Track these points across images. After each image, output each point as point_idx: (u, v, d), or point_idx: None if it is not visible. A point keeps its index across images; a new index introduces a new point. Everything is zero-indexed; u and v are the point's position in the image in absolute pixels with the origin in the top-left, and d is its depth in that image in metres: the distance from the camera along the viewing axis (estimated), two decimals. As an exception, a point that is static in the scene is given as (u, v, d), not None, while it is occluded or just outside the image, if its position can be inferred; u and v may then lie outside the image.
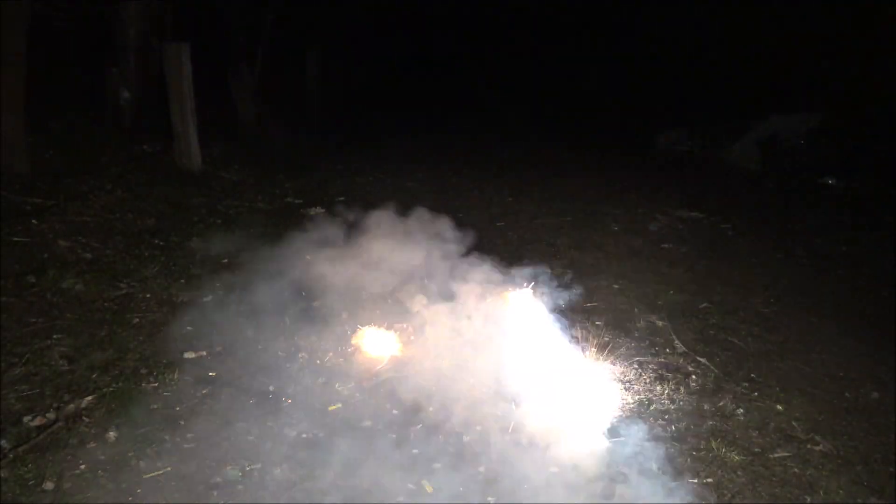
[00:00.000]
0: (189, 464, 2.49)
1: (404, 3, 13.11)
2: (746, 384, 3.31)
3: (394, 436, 2.73)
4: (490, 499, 2.40)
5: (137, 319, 3.59)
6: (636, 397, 3.11)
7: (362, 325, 3.54)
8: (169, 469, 2.45)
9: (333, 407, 2.93)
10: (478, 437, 2.73)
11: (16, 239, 4.31)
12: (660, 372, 3.36)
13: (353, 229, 4.33)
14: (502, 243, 5.31)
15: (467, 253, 4.08)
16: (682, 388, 3.21)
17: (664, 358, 3.52)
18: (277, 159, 7.64)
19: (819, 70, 9.19)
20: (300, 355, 3.34)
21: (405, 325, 3.59)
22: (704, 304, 4.30)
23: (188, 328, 3.51)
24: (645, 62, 11.88)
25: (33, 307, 3.58)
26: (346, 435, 2.70)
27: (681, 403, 3.08)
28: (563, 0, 13.50)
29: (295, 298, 3.84)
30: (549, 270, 4.32)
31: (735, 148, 9.01)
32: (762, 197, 7.50)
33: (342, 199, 6.16)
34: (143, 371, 3.10)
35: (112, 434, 2.62)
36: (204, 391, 2.98)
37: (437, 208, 4.54)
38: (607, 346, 3.53)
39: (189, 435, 2.66)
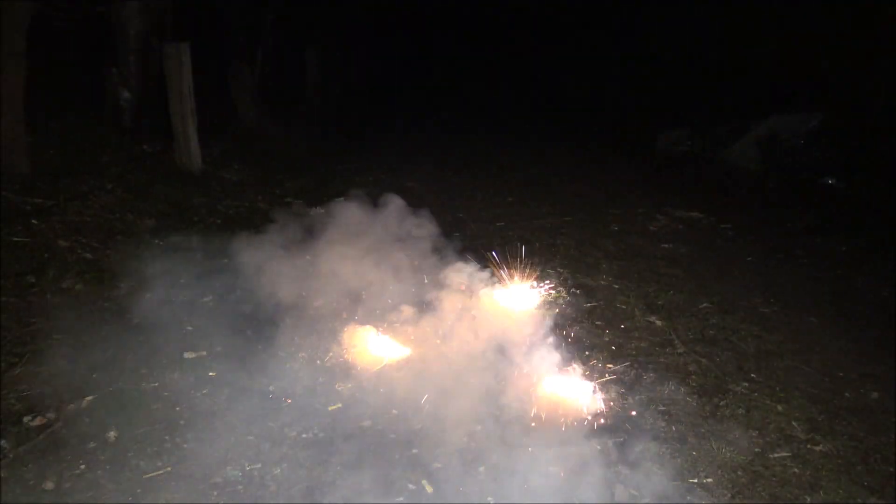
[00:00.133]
0: (189, 464, 2.49)
1: (404, 3, 13.11)
2: (746, 384, 3.31)
3: (393, 436, 2.73)
4: (490, 499, 2.40)
5: (137, 319, 3.59)
6: (636, 397, 3.11)
7: (362, 324, 3.55)
8: (169, 469, 2.46)
9: (333, 407, 2.93)
10: (477, 438, 2.74)
11: (16, 239, 4.31)
12: (660, 372, 3.36)
13: (352, 229, 4.33)
14: (502, 243, 5.30)
15: (467, 253, 4.07)
16: (682, 388, 3.21)
17: (664, 358, 3.52)
18: (277, 159, 7.65)
19: (819, 70, 9.18)
20: (300, 355, 3.34)
21: (403, 325, 3.59)
22: (704, 304, 4.30)
23: (188, 328, 3.51)
24: (645, 62, 11.87)
25: (33, 307, 3.58)
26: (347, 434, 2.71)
27: (681, 403, 3.08)
28: (564, 1, 13.50)
29: (295, 298, 3.83)
30: (549, 270, 4.32)
31: (735, 148, 9.00)
32: (762, 197, 7.50)
33: (342, 199, 6.16)
34: (143, 371, 3.10)
35: (112, 434, 2.62)
36: (204, 391, 2.98)
37: (438, 208, 4.54)
38: (607, 346, 3.53)
39: (189, 435, 2.66)
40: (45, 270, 3.95)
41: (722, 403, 3.10)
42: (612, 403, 3.02)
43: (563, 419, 2.82)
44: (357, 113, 11.36)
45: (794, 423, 2.99)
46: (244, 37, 8.72)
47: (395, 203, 4.42)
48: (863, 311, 4.41)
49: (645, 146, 9.85)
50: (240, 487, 2.39)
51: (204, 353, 3.29)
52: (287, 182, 6.73)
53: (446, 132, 10.66)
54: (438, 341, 3.42)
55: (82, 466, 2.43)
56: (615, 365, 3.38)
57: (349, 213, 4.43)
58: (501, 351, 3.26)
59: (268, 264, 3.96)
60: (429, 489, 2.43)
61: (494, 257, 4.13)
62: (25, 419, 2.66)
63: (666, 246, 5.55)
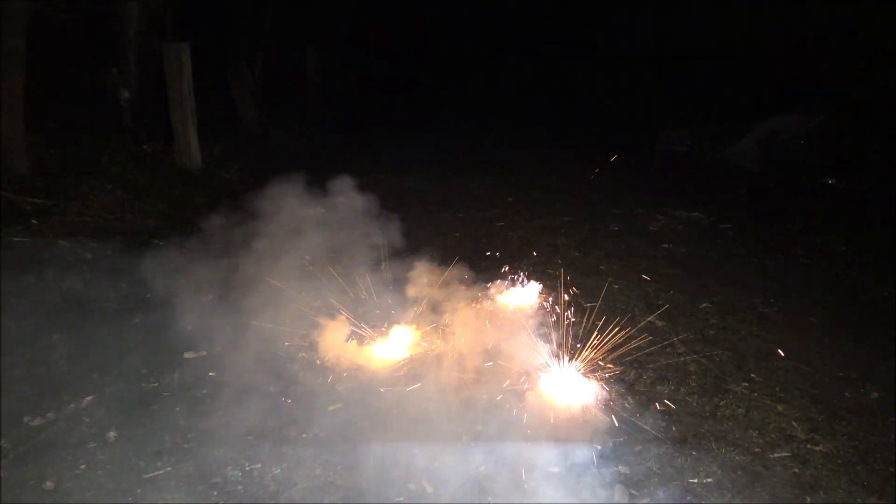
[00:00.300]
0: (189, 464, 2.49)
1: (404, 3, 13.10)
2: (746, 384, 3.31)
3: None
4: (489, 499, 2.40)
5: (137, 319, 3.58)
6: (637, 397, 3.10)
7: (365, 324, 3.55)
8: (169, 469, 2.45)
9: (333, 407, 2.93)
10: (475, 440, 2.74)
11: (16, 239, 4.31)
12: (660, 372, 3.36)
13: (352, 229, 4.32)
14: (502, 243, 5.30)
15: (466, 253, 4.07)
16: (682, 388, 3.21)
17: (664, 358, 3.52)
18: (277, 159, 7.64)
19: (819, 70, 9.19)
20: (300, 355, 3.34)
21: (405, 324, 3.60)
22: (704, 304, 4.30)
23: (188, 328, 3.51)
24: (646, 63, 11.88)
25: (33, 307, 3.58)
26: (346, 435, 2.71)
27: (681, 403, 3.08)
28: (564, 1, 13.50)
29: (295, 298, 3.83)
30: (549, 270, 4.32)
31: (735, 148, 9.01)
32: (762, 197, 7.50)
33: (342, 199, 6.15)
34: (143, 371, 3.10)
35: (112, 434, 2.62)
36: (204, 391, 2.98)
37: (438, 207, 4.54)
38: (607, 346, 3.53)
39: (189, 435, 2.66)
40: (45, 270, 3.95)
41: (722, 403, 3.10)
42: (612, 403, 3.02)
43: (562, 419, 2.82)
44: (357, 113, 11.36)
45: (794, 423, 2.99)
46: (244, 37, 8.72)
47: (394, 203, 4.43)
48: (863, 311, 4.41)
49: (645, 146, 9.86)
50: (240, 487, 2.39)
51: (204, 353, 3.29)
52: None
53: (447, 132, 10.65)
54: (439, 340, 3.42)
55: (82, 466, 2.43)
56: (615, 365, 3.37)
57: (349, 213, 4.44)
58: (502, 350, 3.26)
59: (268, 264, 3.96)
60: (429, 489, 2.43)
61: (493, 257, 4.13)
62: (25, 419, 2.66)
63: (666, 246, 5.55)
